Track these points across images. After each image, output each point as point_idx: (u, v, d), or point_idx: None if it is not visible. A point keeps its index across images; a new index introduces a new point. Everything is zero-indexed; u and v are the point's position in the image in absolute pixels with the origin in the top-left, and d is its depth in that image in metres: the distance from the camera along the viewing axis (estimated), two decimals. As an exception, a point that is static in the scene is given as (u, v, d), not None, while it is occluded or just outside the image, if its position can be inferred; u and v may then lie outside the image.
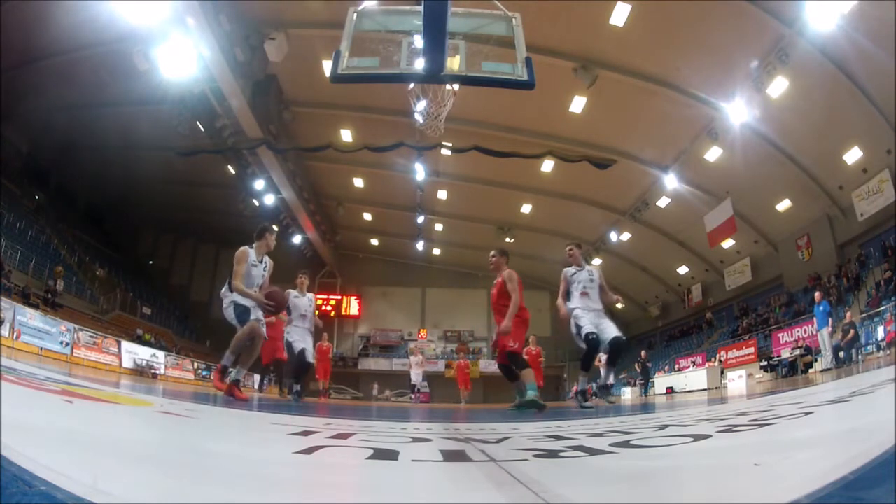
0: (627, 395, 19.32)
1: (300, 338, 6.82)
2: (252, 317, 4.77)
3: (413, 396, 13.66)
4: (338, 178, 24.40)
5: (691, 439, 1.52)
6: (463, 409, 8.58)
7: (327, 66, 14.65)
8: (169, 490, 0.78)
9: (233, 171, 20.53)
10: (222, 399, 4.51)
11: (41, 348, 12.00)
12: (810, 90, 14.23)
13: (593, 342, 5.23)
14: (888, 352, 11.03)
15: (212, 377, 4.71)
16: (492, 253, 5.53)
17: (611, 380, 6.06)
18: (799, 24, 12.84)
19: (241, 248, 4.84)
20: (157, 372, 16.75)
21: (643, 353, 17.51)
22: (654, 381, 17.19)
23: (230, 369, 4.84)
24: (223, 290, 4.89)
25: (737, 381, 16.07)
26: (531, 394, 4.99)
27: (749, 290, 22.97)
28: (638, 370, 17.77)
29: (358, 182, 24.66)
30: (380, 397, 24.37)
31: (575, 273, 5.78)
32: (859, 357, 11.53)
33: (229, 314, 4.80)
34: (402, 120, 17.17)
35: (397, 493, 0.90)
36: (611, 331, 5.39)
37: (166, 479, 0.87)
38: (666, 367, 23.10)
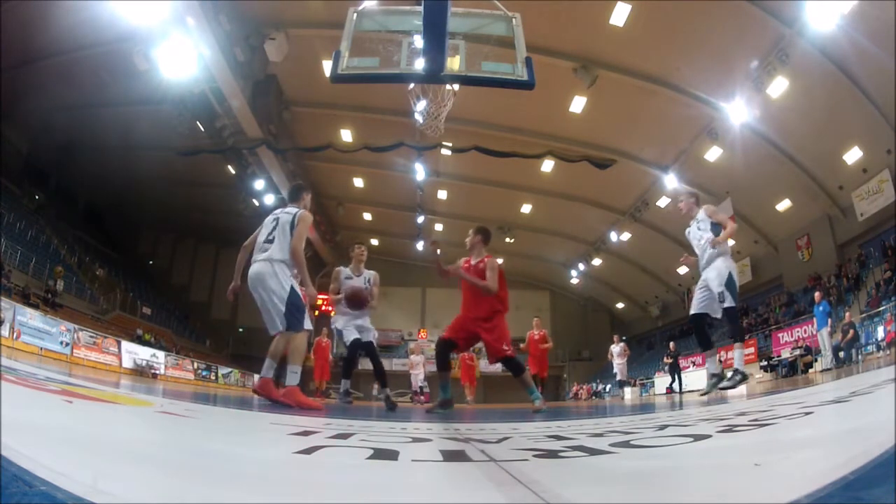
0: (627, 395, 19.29)
1: (348, 325, 5.52)
2: (308, 323, 3.87)
3: (415, 398, 13.52)
4: (338, 178, 24.42)
5: (691, 439, 1.52)
6: (469, 409, 8.48)
7: (327, 66, 14.65)
8: (169, 490, 0.78)
9: (233, 171, 20.54)
10: (222, 399, 4.49)
11: (41, 348, 12.00)
12: (810, 90, 14.23)
13: (691, 319, 4.74)
14: (888, 352, 11.03)
15: (290, 400, 3.75)
16: (470, 231, 4.73)
17: (714, 367, 4.98)
18: (799, 24, 12.84)
19: (307, 213, 4.03)
20: (157, 372, 16.75)
21: (672, 344, 15.52)
22: (682, 377, 14.49)
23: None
24: (271, 251, 3.83)
25: (737, 381, 16.02)
26: (537, 402, 4.49)
27: (749, 290, 22.95)
28: (667, 363, 15.51)
29: (358, 182, 24.67)
30: (380, 397, 24.35)
31: (689, 231, 4.96)
32: (859, 357, 11.53)
33: (278, 296, 3.74)
34: (402, 120, 17.18)
35: (397, 493, 0.90)
36: (701, 299, 4.60)
37: (166, 479, 0.87)
38: (666, 367, 23.11)
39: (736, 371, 4.62)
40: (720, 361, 18.79)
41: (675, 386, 13.88)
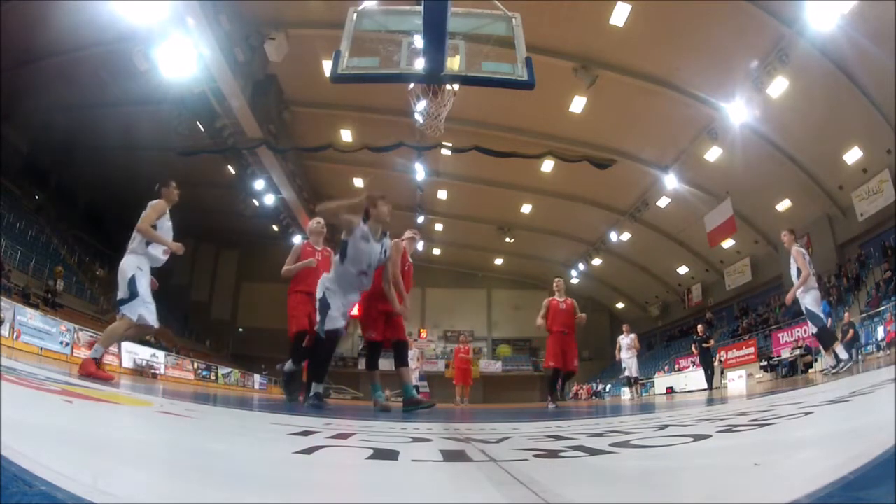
0: (625, 395, 19.27)
1: (340, 299, 4.17)
2: (148, 306, 4.31)
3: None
4: (338, 178, 24.40)
5: (691, 439, 1.52)
6: (464, 410, 8.43)
7: (327, 66, 14.64)
8: (169, 490, 0.78)
9: (233, 171, 20.53)
10: (222, 399, 4.49)
11: (41, 348, 11.99)
12: (810, 90, 14.22)
13: (819, 332, 6.45)
14: (888, 352, 11.03)
15: (81, 370, 4.13)
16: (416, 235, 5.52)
17: (843, 353, 6.49)
18: (799, 24, 12.84)
19: (157, 201, 4.46)
20: (157, 372, 16.75)
21: (699, 327, 12.90)
22: (714, 371, 12.34)
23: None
24: (129, 246, 4.31)
25: (737, 381, 16.08)
26: (381, 398, 4.75)
27: (749, 290, 22.96)
28: (695, 353, 13.14)
29: (358, 182, 24.64)
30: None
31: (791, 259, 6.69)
32: (859, 357, 11.53)
33: (122, 290, 4.24)
34: (402, 120, 17.18)
35: (397, 493, 0.90)
36: (809, 316, 6.48)
37: (166, 479, 0.87)
38: (666, 367, 23.10)
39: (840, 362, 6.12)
40: (720, 362, 18.82)
41: (707, 380, 12.04)
